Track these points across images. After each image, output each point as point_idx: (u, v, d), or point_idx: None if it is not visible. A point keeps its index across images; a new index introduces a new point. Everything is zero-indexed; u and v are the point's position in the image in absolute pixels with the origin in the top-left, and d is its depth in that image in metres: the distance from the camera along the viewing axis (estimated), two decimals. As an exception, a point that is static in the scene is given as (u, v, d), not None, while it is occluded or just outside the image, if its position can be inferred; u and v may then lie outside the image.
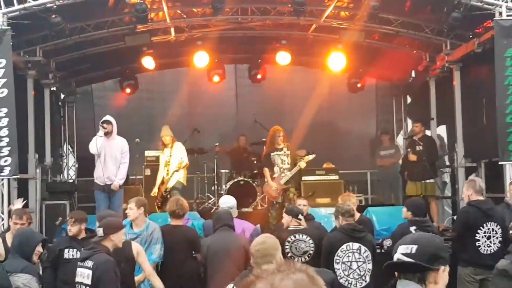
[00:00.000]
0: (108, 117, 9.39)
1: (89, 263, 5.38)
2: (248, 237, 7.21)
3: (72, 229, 6.88)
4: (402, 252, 2.74)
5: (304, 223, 7.14)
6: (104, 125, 9.23)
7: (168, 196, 10.02)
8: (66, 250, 6.87)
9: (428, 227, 7.04)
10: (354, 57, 12.49)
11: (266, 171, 10.11)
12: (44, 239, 5.85)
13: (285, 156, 10.02)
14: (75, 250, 6.89)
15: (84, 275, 5.38)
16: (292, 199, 9.61)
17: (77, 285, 5.46)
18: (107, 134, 9.23)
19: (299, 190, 11.31)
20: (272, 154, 10.07)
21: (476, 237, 6.81)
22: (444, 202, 12.26)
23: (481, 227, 6.86)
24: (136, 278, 6.71)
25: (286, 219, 7.18)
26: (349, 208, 6.71)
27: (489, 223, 6.87)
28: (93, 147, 9.23)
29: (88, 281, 5.33)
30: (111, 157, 9.35)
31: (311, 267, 1.77)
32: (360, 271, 6.45)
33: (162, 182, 10.36)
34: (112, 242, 5.62)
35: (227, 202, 7.88)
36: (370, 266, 6.49)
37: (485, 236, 6.84)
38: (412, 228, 6.92)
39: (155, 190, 10.45)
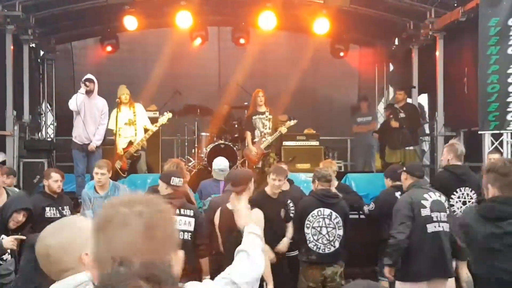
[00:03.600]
0: (90, 76, 9.27)
1: (188, 211, 5.77)
2: None
3: (61, 185, 6.99)
4: None
5: (286, 186, 7.15)
6: (87, 83, 9.13)
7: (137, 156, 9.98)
8: (47, 209, 6.85)
9: None
10: (338, 22, 12.39)
11: (248, 134, 10.08)
12: (26, 208, 5.68)
13: (266, 120, 9.97)
14: (54, 208, 6.89)
15: (185, 222, 5.71)
16: (272, 164, 9.61)
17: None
18: (89, 92, 9.12)
19: (279, 155, 11.34)
20: (254, 117, 10.01)
21: (450, 202, 6.85)
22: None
23: (455, 192, 6.87)
24: None
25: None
26: (326, 173, 6.70)
27: (464, 188, 6.86)
28: (73, 104, 9.11)
29: (191, 228, 5.72)
30: (91, 116, 9.26)
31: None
32: (329, 236, 6.50)
33: (130, 143, 9.98)
34: None
35: (219, 164, 7.84)
36: (340, 232, 6.54)
37: (459, 201, 6.85)
38: (398, 194, 6.97)
39: (120, 149, 9.92)
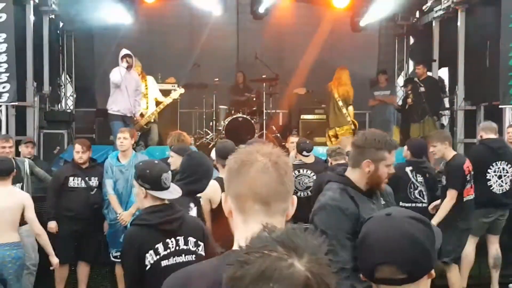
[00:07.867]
0: (128, 51, 9.30)
1: None
2: None
3: (83, 157, 7.07)
4: None
5: (311, 159, 7.18)
6: (128, 58, 9.18)
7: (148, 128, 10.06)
8: (71, 178, 7.02)
9: (425, 168, 6.97)
10: (358, -5, 12.27)
11: None
12: None
13: None
14: (79, 178, 7.06)
15: None
16: None
17: None
18: (129, 67, 9.19)
19: (297, 128, 11.35)
20: None
21: (487, 177, 6.78)
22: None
23: (491, 166, 6.81)
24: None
25: (292, 153, 7.26)
26: (335, 147, 6.77)
27: (500, 162, 6.81)
28: (117, 76, 9.07)
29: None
30: (131, 90, 9.31)
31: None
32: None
33: (141, 115, 10.02)
34: None
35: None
36: None
37: (495, 175, 6.80)
38: (408, 169, 6.89)
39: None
